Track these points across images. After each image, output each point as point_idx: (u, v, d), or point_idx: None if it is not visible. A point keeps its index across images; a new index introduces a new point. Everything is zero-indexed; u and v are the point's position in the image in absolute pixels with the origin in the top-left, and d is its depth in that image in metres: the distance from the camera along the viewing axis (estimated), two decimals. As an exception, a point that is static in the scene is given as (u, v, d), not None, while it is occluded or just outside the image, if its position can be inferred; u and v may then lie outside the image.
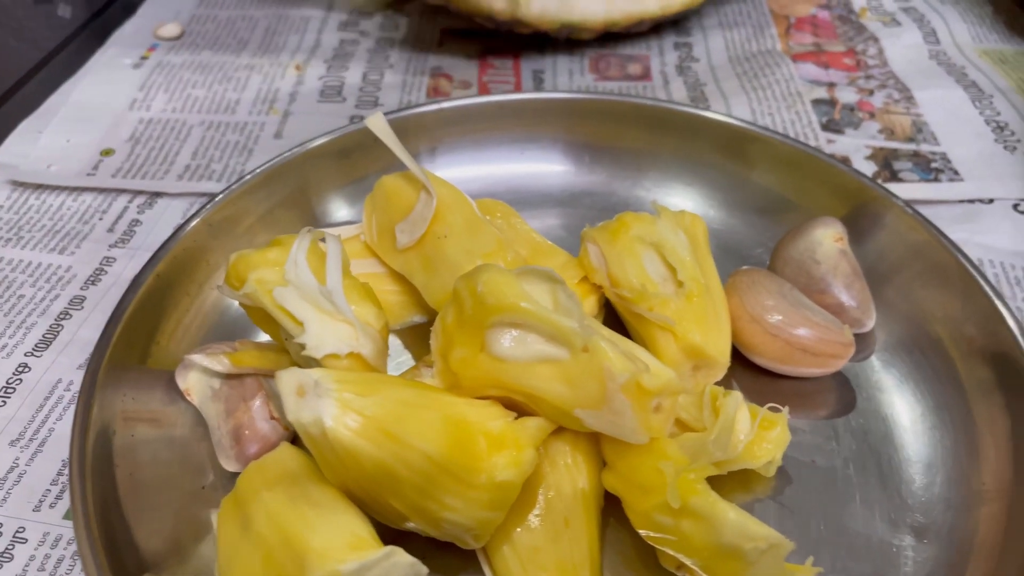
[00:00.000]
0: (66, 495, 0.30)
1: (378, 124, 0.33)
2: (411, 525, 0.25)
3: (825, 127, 0.45)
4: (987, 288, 0.31)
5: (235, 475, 0.28)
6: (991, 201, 0.41)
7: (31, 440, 0.32)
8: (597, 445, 0.28)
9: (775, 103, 0.47)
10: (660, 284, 0.31)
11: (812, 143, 0.44)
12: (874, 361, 0.33)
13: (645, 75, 0.51)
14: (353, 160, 0.38)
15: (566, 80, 0.50)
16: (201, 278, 0.33)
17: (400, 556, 0.23)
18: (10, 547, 0.28)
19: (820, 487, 0.29)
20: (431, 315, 0.34)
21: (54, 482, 0.30)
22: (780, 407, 0.28)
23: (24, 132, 0.46)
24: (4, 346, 0.35)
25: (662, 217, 0.32)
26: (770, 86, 0.48)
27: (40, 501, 0.30)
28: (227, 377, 0.29)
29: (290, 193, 0.37)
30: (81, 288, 0.38)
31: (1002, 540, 0.26)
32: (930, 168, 0.43)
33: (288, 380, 0.24)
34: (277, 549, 0.23)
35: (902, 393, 0.32)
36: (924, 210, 0.38)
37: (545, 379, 0.25)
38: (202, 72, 0.51)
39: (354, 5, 0.56)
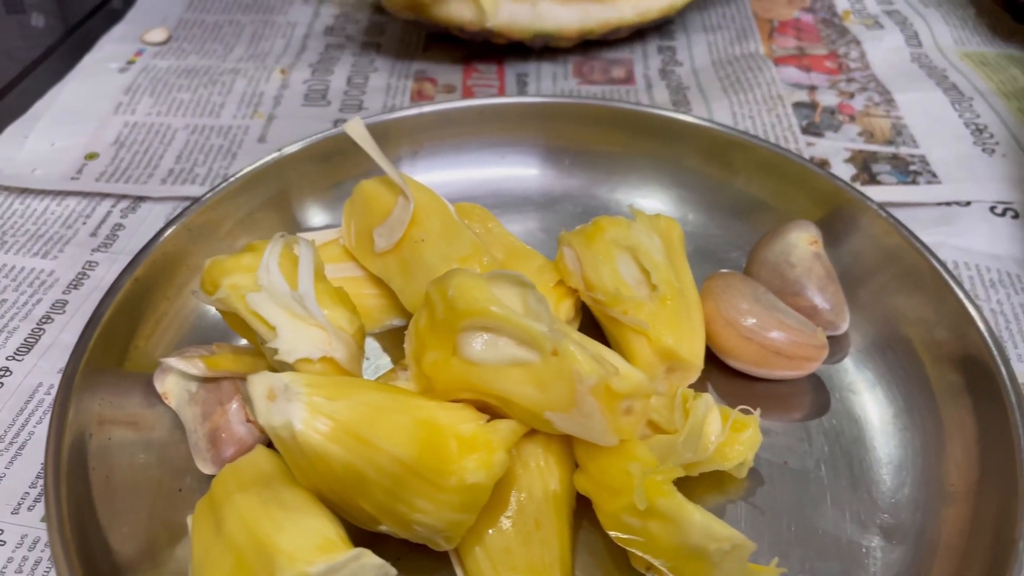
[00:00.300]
0: (45, 498, 0.30)
1: (356, 129, 0.33)
2: (383, 527, 0.26)
3: (805, 130, 0.46)
4: (959, 291, 0.32)
5: (212, 478, 0.28)
6: (968, 204, 0.41)
7: (11, 443, 0.32)
8: (570, 448, 0.28)
9: (756, 106, 0.47)
10: (634, 287, 0.31)
11: (792, 146, 0.45)
12: (847, 363, 0.33)
13: (628, 79, 0.51)
14: (334, 164, 0.38)
15: (550, 84, 0.50)
16: (180, 282, 0.33)
17: (368, 558, 0.23)
18: (-12, 550, 0.29)
19: (792, 488, 0.30)
20: (409, 319, 0.34)
21: (33, 485, 0.31)
22: (752, 409, 0.29)
23: (10, 137, 0.46)
24: (-14, 350, 0.35)
25: (638, 221, 0.33)
26: (752, 89, 0.49)
27: (19, 504, 0.30)
28: (204, 381, 0.30)
29: (271, 197, 0.37)
30: (63, 292, 0.38)
31: (967, 540, 0.26)
32: (908, 171, 0.43)
33: (259, 384, 0.24)
34: (248, 551, 0.23)
35: (874, 395, 0.32)
36: (901, 213, 0.39)
37: (516, 382, 0.26)
38: (188, 76, 0.51)
39: (342, 4, 0.57)
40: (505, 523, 0.27)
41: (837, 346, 0.34)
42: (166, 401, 0.30)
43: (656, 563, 0.25)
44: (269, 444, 0.29)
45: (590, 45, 0.53)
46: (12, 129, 0.46)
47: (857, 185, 0.41)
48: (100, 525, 0.27)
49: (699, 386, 0.32)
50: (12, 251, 0.40)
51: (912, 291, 0.33)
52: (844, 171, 0.43)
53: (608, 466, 0.26)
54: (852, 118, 0.47)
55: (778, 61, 0.51)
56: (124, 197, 0.43)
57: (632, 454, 0.26)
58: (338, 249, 0.35)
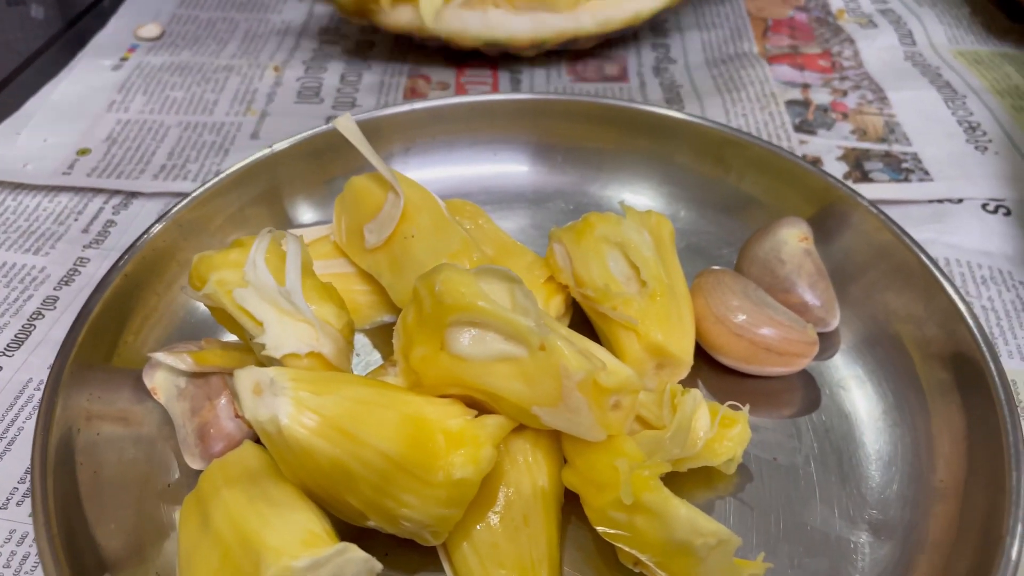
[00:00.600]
0: (33, 493, 0.30)
1: (346, 125, 0.33)
2: (371, 523, 0.26)
3: (798, 128, 0.46)
4: (949, 288, 0.32)
5: (200, 473, 0.28)
6: (960, 201, 0.41)
7: (0, 439, 0.32)
8: (558, 443, 0.28)
9: (749, 104, 0.47)
10: (624, 283, 0.31)
11: (785, 144, 0.45)
12: (838, 360, 0.33)
13: (622, 76, 0.51)
14: (325, 161, 0.38)
15: (543, 81, 0.50)
16: (170, 278, 0.33)
17: (353, 552, 0.23)
18: (-24, 545, 0.29)
19: (781, 484, 0.30)
20: (400, 315, 0.34)
21: (21, 480, 0.31)
22: (741, 405, 0.29)
23: (2, 134, 0.46)
24: (-24, 346, 0.35)
25: (628, 217, 0.33)
26: (745, 87, 0.49)
27: (7, 499, 0.30)
28: (193, 376, 0.30)
29: (262, 193, 0.37)
30: (54, 288, 0.38)
31: (955, 536, 0.26)
32: (901, 168, 0.43)
33: (245, 378, 0.24)
34: (234, 546, 0.23)
35: (864, 391, 0.32)
36: (894, 210, 0.39)
37: (504, 377, 0.26)
38: (181, 73, 0.51)
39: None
40: (493, 519, 0.27)
41: (827, 343, 0.34)
42: (155, 396, 0.30)
43: (643, 558, 0.25)
44: (257, 439, 0.29)
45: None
46: (5, 126, 0.46)
47: (849, 182, 0.41)
48: (87, 520, 0.26)
49: (689, 383, 0.32)
50: (4, 247, 0.40)
51: (903, 288, 0.33)
52: (836, 169, 0.43)
53: (596, 461, 0.26)
54: (845, 116, 0.47)
55: (771, 60, 0.51)
56: (116, 193, 0.43)
57: (620, 449, 0.26)
58: (329, 245, 0.35)
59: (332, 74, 0.51)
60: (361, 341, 0.34)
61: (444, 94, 0.49)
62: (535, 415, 0.26)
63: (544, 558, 0.26)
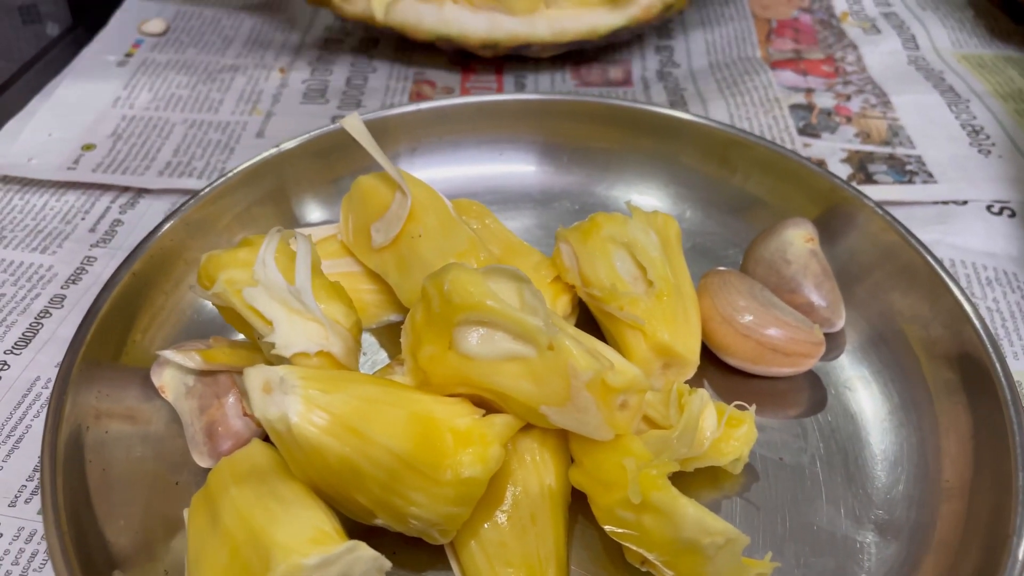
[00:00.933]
0: (41, 491, 0.30)
1: (353, 124, 0.33)
2: (379, 521, 0.26)
3: (802, 131, 0.46)
4: (955, 289, 0.32)
5: (208, 471, 0.28)
6: (965, 203, 0.42)
7: (8, 436, 0.32)
8: (565, 442, 0.28)
9: (753, 108, 0.47)
10: (630, 283, 0.31)
11: (788, 147, 0.45)
12: (843, 360, 0.33)
13: (626, 81, 0.51)
14: (332, 160, 0.38)
15: (548, 86, 0.51)
16: (177, 276, 0.33)
17: (363, 550, 0.23)
18: (-16, 542, 0.29)
19: (787, 484, 0.30)
20: (406, 314, 0.34)
21: (30, 478, 0.31)
22: (747, 405, 0.29)
23: (8, 132, 0.46)
24: (-17, 344, 0.35)
25: (634, 217, 0.33)
26: (748, 92, 0.49)
27: (16, 496, 0.30)
28: (201, 374, 0.30)
29: (269, 192, 0.37)
30: (62, 287, 0.38)
31: (960, 537, 0.27)
32: (905, 171, 0.43)
33: (255, 376, 0.24)
34: (243, 543, 0.23)
35: (870, 392, 0.32)
36: (899, 212, 0.39)
37: (512, 376, 0.26)
38: (186, 72, 0.51)
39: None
40: (501, 517, 0.27)
41: (833, 343, 0.34)
42: (163, 395, 0.30)
43: (650, 557, 0.25)
44: (266, 438, 0.29)
45: (586, 46, 0.53)
46: (11, 125, 0.46)
47: (854, 183, 0.41)
48: (96, 518, 0.27)
49: (696, 383, 0.32)
50: (11, 246, 0.40)
51: (908, 288, 0.33)
52: (840, 171, 0.43)
53: (603, 460, 0.26)
54: (849, 120, 0.47)
55: (775, 65, 0.51)
56: (123, 192, 0.43)
57: (627, 449, 0.26)
58: (335, 244, 0.35)
59: (338, 76, 0.51)
60: (368, 341, 0.34)
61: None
62: (543, 414, 0.26)
63: (551, 557, 0.26)
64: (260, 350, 0.30)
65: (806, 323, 0.32)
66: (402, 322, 0.33)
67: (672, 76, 0.51)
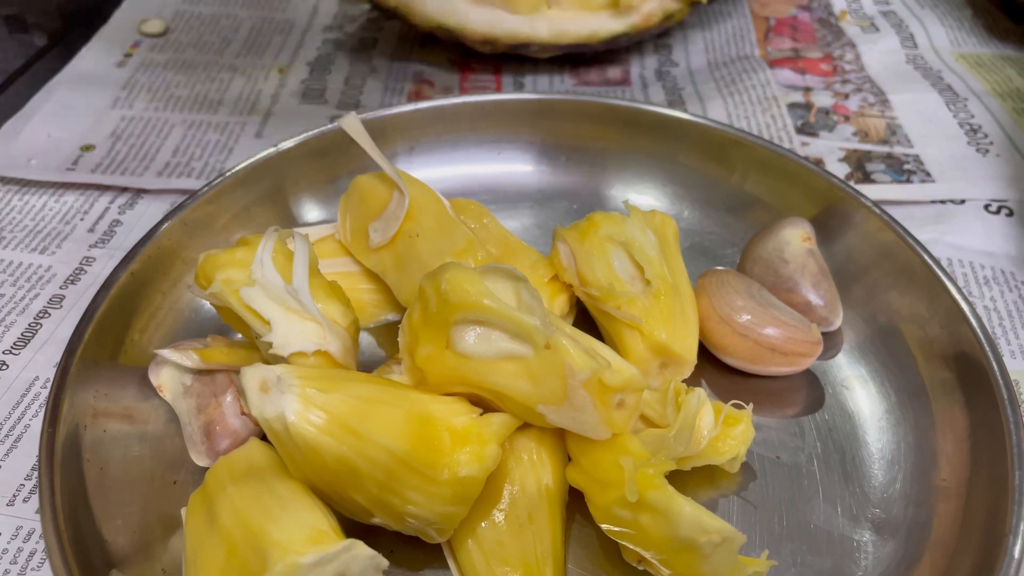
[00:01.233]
0: (39, 490, 0.30)
1: (352, 124, 0.33)
2: (376, 520, 0.26)
3: (800, 130, 0.46)
4: (952, 288, 0.32)
5: (206, 470, 0.28)
6: (963, 202, 0.42)
7: (7, 436, 0.32)
8: (563, 441, 0.28)
9: (751, 107, 0.47)
10: (628, 283, 0.31)
11: (786, 146, 0.45)
12: (841, 359, 0.33)
13: (625, 80, 0.51)
14: (330, 160, 0.38)
15: (547, 86, 0.51)
16: (176, 276, 0.34)
17: (360, 549, 0.23)
18: (-17, 541, 0.29)
19: (784, 483, 0.30)
20: (404, 313, 0.34)
21: (28, 477, 0.31)
22: (745, 404, 0.29)
23: (7, 133, 0.46)
24: (-18, 344, 0.35)
25: (632, 217, 0.33)
26: (747, 90, 0.49)
27: (14, 496, 0.30)
28: (199, 373, 0.30)
29: (267, 192, 0.37)
30: (60, 287, 0.38)
31: (957, 535, 0.27)
32: (903, 170, 0.43)
33: (252, 376, 0.24)
34: (241, 542, 0.23)
35: (867, 391, 0.32)
36: (896, 211, 0.39)
37: (509, 375, 0.26)
38: (185, 72, 0.51)
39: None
40: (498, 516, 0.27)
41: (831, 342, 0.34)
42: (161, 394, 0.30)
43: (647, 555, 0.25)
44: (264, 437, 0.29)
45: (584, 50, 0.53)
46: (9, 125, 0.46)
47: (851, 183, 0.41)
48: (94, 517, 0.27)
49: (693, 382, 0.32)
50: (10, 247, 0.40)
51: (906, 288, 0.33)
52: (838, 170, 0.43)
53: (600, 459, 0.26)
54: (847, 118, 0.47)
55: (773, 64, 0.51)
56: (121, 193, 0.43)
57: (624, 447, 0.26)
58: (333, 244, 0.35)
59: (336, 76, 0.51)
60: (365, 340, 0.34)
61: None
62: (540, 413, 0.26)
63: (548, 555, 0.26)
64: (258, 349, 0.30)
65: (804, 322, 0.32)
66: (399, 322, 0.33)
67: (670, 75, 0.51)
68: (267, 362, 0.29)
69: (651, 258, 0.31)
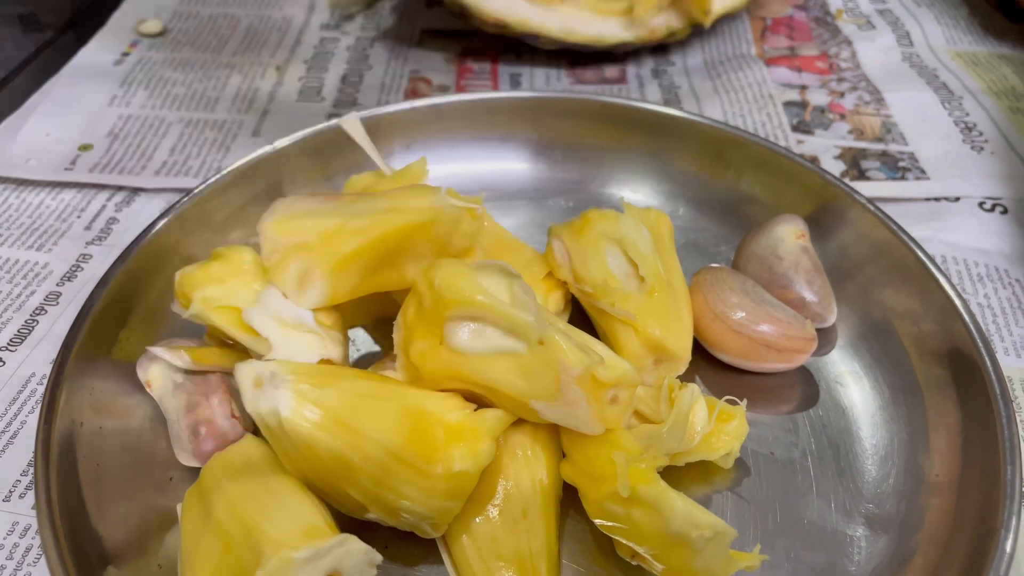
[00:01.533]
0: (36, 486, 0.30)
1: (351, 125, 0.33)
2: (371, 515, 0.26)
3: (795, 128, 0.46)
4: (946, 285, 0.32)
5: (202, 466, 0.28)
6: (957, 199, 0.42)
7: (3, 432, 0.32)
8: (557, 437, 0.28)
9: (747, 105, 0.48)
10: (622, 280, 0.31)
11: (782, 143, 0.45)
12: (835, 355, 0.34)
13: (621, 78, 0.51)
14: (326, 158, 0.39)
15: (543, 83, 0.51)
16: (172, 273, 0.33)
17: (354, 543, 0.23)
18: (-21, 537, 0.29)
19: (778, 479, 0.30)
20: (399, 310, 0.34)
21: (24, 473, 0.31)
22: (738, 400, 0.29)
23: (5, 133, 0.46)
24: (-21, 341, 0.36)
25: (627, 214, 0.33)
26: (743, 89, 0.49)
27: (10, 491, 0.30)
28: (191, 372, 0.30)
29: (264, 190, 0.37)
30: (57, 284, 0.38)
31: (949, 530, 0.27)
32: (898, 167, 0.43)
33: (246, 371, 0.24)
34: (235, 537, 0.24)
35: (861, 387, 0.32)
36: (892, 208, 0.39)
37: (502, 371, 0.26)
38: (183, 71, 0.51)
39: (334, 5, 0.57)
40: (492, 511, 0.27)
41: (825, 339, 0.34)
42: (148, 390, 0.30)
43: (640, 550, 0.25)
44: (256, 434, 0.29)
45: (586, 51, 0.53)
46: (8, 122, 0.46)
47: (846, 180, 0.41)
48: (90, 513, 0.27)
49: (688, 379, 0.32)
50: (7, 244, 0.40)
51: (899, 284, 0.33)
52: (834, 167, 0.43)
53: (593, 455, 0.26)
54: (842, 116, 0.47)
55: (769, 62, 0.51)
56: (118, 190, 0.43)
57: (617, 443, 0.26)
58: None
59: (333, 74, 0.51)
60: (361, 337, 0.34)
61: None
62: (534, 409, 0.26)
63: (543, 550, 0.26)
64: (249, 352, 0.30)
65: (798, 319, 0.32)
66: (394, 318, 0.33)
67: (667, 74, 0.51)
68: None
69: (646, 255, 0.32)
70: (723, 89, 0.49)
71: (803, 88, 0.49)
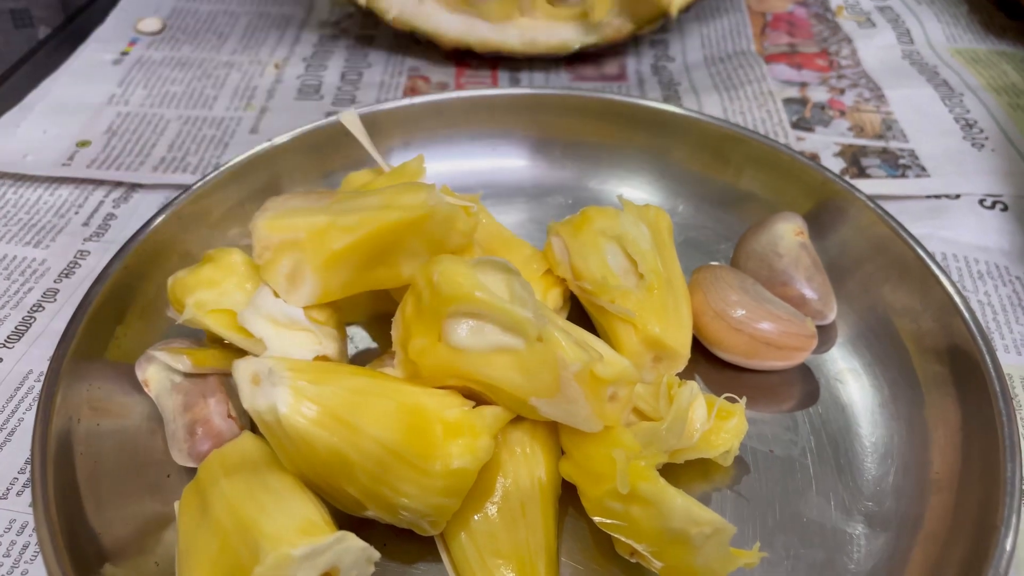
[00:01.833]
0: (33, 484, 0.30)
1: (351, 120, 0.33)
2: (369, 512, 0.26)
3: (795, 125, 0.46)
4: (945, 282, 0.32)
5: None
6: (958, 196, 0.42)
7: (0, 429, 0.32)
8: (556, 434, 0.28)
9: (747, 102, 0.47)
10: (621, 277, 0.31)
11: (782, 140, 0.45)
12: (835, 353, 0.34)
13: (621, 75, 0.51)
14: (324, 155, 0.38)
15: (543, 81, 0.51)
16: (170, 270, 0.33)
17: (351, 541, 0.23)
18: (-24, 534, 0.29)
19: (777, 476, 0.30)
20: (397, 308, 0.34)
21: (22, 471, 0.31)
22: (738, 398, 0.29)
23: (3, 126, 0.46)
24: (-24, 338, 0.35)
25: (626, 211, 0.33)
26: (742, 85, 0.49)
27: (8, 489, 0.30)
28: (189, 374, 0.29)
29: (261, 187, 0.37)
30: (55, 281, 0.38)
31: (949, 528, 0.27)
32: (898, 164, 0.43)
33: (244, 368, 0.24)
34: (233, 535, 0.23)
35: (861, 384, 0.32)
36: (891, 205, 0.39)
37: (501, 368, 0.26)
38: (181, 68, 0.51)
39: (335, 3, 0.57)
40: (491, 509, 0.27)
41: (824, 336, 0.34)
42: (145, 389, 0.30)
43: (639, 548, 0.25)
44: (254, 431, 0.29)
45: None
46: (5, 119, 0.46)
47: (846, 178, 0.41)
48: (87, 510, 0.27)
49: (687, 376, 0.32)
50: (4, 240, 0.40)
51: (899, 282, 0.33)
52: (834, 165, 0.43)
53: (592, 452, 0.26)
54: (842, 113, 0.47)
55: (769, 59, 0.51)
56: (116, 187, 0.43)
57: (616, 440, 0.26)
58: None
59: (332, 72, 0.51)
60: (359, 334, 0.34)
61: (443, 91, 0.49)
62: (533, 406, 0.26)
63: (541, 548, 0.26)
64: (248, 354, 0.30)
65: (798, 316, 0.32)
66: (392, 315, 0.33)
67: (667, 70, 0.51)
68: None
69: (645, 252, 0.31)
70: (723, 85, 0.49)
71: (803, 85, 0.49)
